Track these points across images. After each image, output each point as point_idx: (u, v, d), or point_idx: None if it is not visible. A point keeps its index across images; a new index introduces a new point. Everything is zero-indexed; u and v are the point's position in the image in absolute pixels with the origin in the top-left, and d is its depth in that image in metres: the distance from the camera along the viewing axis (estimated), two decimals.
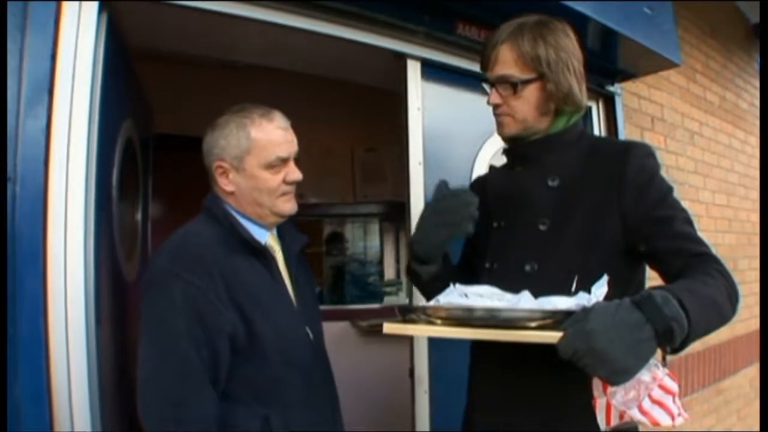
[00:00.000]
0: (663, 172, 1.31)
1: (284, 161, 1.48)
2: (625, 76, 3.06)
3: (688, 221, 1.23)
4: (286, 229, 1.61)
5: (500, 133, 1.40)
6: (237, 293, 1.38)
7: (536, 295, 1.13)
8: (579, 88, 1.33)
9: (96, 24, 1.58)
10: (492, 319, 1.06)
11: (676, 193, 1.29)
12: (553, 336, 0.97)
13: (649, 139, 3.45)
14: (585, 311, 0.97)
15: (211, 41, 2.31)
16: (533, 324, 1.03)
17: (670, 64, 2.90)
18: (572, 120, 1.37)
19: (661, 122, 3.60)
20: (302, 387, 1.45)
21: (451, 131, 2.30)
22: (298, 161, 1.55)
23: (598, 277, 1.09)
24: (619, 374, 0.95)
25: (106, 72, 1.66)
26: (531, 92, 1.31)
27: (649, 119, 3.50)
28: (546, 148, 1.36)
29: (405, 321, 1.19)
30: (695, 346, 3.51)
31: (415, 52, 2.20)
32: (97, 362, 1.52)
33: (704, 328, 1.04)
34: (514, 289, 1.20)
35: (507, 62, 1.31)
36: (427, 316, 1.13)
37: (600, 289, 1.05)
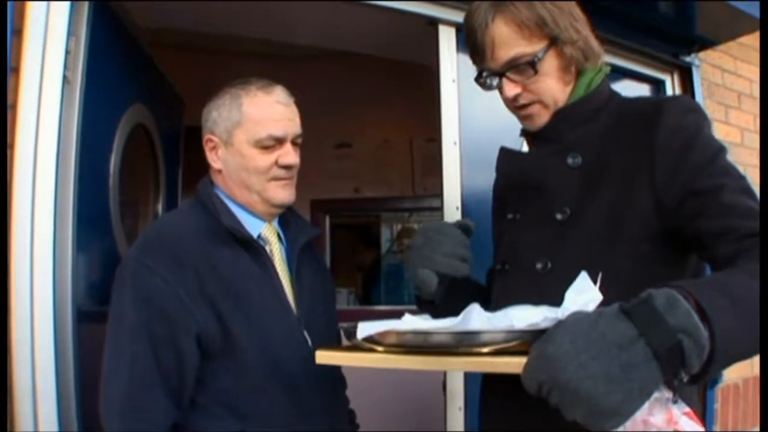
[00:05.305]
0: (711, 130, 1.01)
1: (279, 141, 1.31)
2: (704, 44, 2.67)
3: (745, 190, 0.92)
4: (292, 220, 1.45)
5: (531, 126, 1.14)
6: (212, 288, 1.20)
7: (547, 299, 0.86)
8: (593, 37, 1.10)
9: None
10: (452, 345, 0.80)
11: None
12: (518, 363, 0.70)
13: (736, 118, 3.05)
14: (556, 327, 0.70)
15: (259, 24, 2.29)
16: (489, 349, 0.77)
17: (757, 26, 2.48)
18: (594, 84, 1.11)
19: (749, 100, 3.18)
20: (290, 400, 1.25)
21: (491, 107, 2.00)
22: (305, 146, 1.38)
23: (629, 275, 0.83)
24: (603, 417, 0.65)
25: (92, 51, 1.53)
26: (550, 64, 1.07)
27: (736, 96, 3.09)
28: (565, 121, 1.09)
29: (348, 348, 0.97)
30: (754, 368, 2.97)
31: (448, 16, 1.93)
32: (74, 363, 1.40)
33: (745, 342, 0.73)
34: (525, 292, 0.96)
35: (510, 40, 1.05)
36: (371, 342, 0.88)
37: (581, 295, 0.74)
